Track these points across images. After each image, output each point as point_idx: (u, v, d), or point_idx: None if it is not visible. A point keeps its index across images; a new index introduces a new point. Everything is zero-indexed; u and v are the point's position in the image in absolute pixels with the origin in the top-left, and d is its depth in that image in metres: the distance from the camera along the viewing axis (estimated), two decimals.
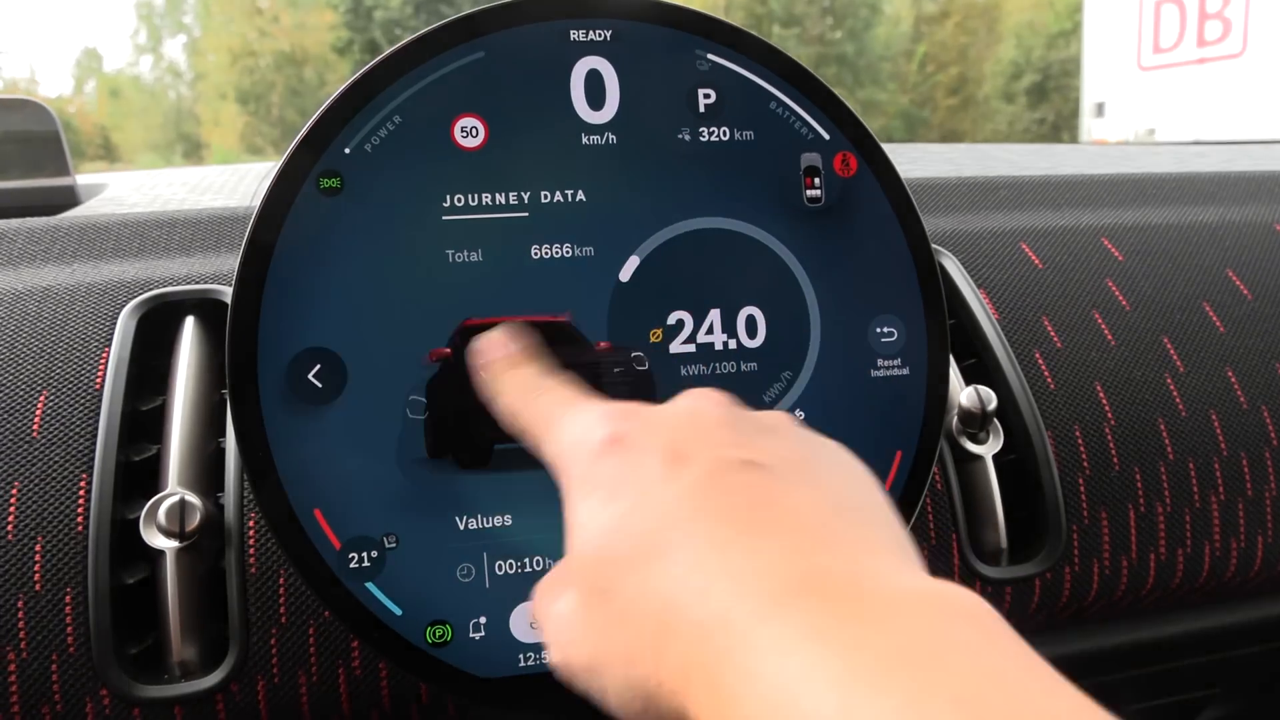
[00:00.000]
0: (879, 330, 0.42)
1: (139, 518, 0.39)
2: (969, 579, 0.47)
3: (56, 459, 0.41)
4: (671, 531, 0.24)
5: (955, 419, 0.48)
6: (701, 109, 0.41)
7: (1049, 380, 0.51)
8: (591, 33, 0.40)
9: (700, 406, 0.29)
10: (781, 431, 0.28)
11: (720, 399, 0.29)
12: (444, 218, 0.38)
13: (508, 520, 0.38)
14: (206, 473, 0.42)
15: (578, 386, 0.32)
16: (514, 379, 0.34)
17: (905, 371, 0.42)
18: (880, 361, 0.42)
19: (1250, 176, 0.68)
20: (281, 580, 0.40)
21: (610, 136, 0.40)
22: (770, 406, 0.41)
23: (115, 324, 0.45)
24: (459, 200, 0.38)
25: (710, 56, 0.41)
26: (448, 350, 0.37)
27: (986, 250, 0.56)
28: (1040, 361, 0.52)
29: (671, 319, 0.40)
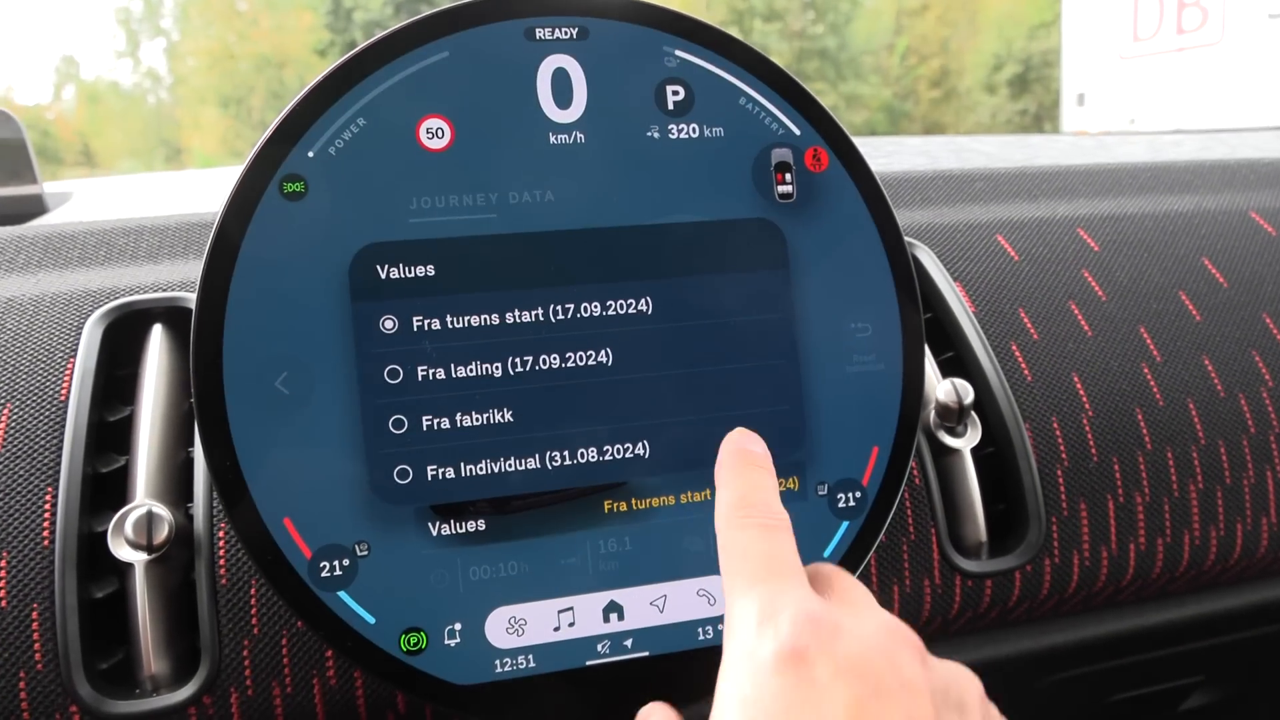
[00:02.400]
0: (853, 325, 0.42)
1: (107, 530, 0.39)
2: (949, 573, 0.47)
3: (21, 472, 0.40)
4: None
5: (932, 413, 0.48)
6: (670, 106, 0.40)
7: (1026, 372, 0.51)
8: (557, 31, 0.39)
9: (897, 652, 0.26)
10: (970, 713, 0.27)
11: (917, 645, 0.27)
12: (411, 220, 0.37)
13: (481, 525, 0.37)
14: (175, 483, 0.42)
15: (794, 539, 0.31)
16: (749, 479, 0.32)
17: (880, 367, 0.42)
18: (855, 357, 0.41)
19: (1225, 165, 0.68)
20: (253, 591, 0.40)
21: (578, 135, 0.39)
22: None
23: (80, 334, 0.44)
24: (425, 203, 0.38)
25: (678, 53, 0.40)
26: None
27: (962, 243, 0.56)
28: (1017, 353, 0.51)
29: None
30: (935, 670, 0.27)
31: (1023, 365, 0.51)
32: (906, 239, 0.43)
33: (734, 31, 0.42)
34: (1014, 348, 0.52)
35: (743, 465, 0.33)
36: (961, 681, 0.28)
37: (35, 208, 0.66)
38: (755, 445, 0.34)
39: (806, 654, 0.25)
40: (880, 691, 0.24)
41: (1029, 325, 0.53)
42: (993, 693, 0.55)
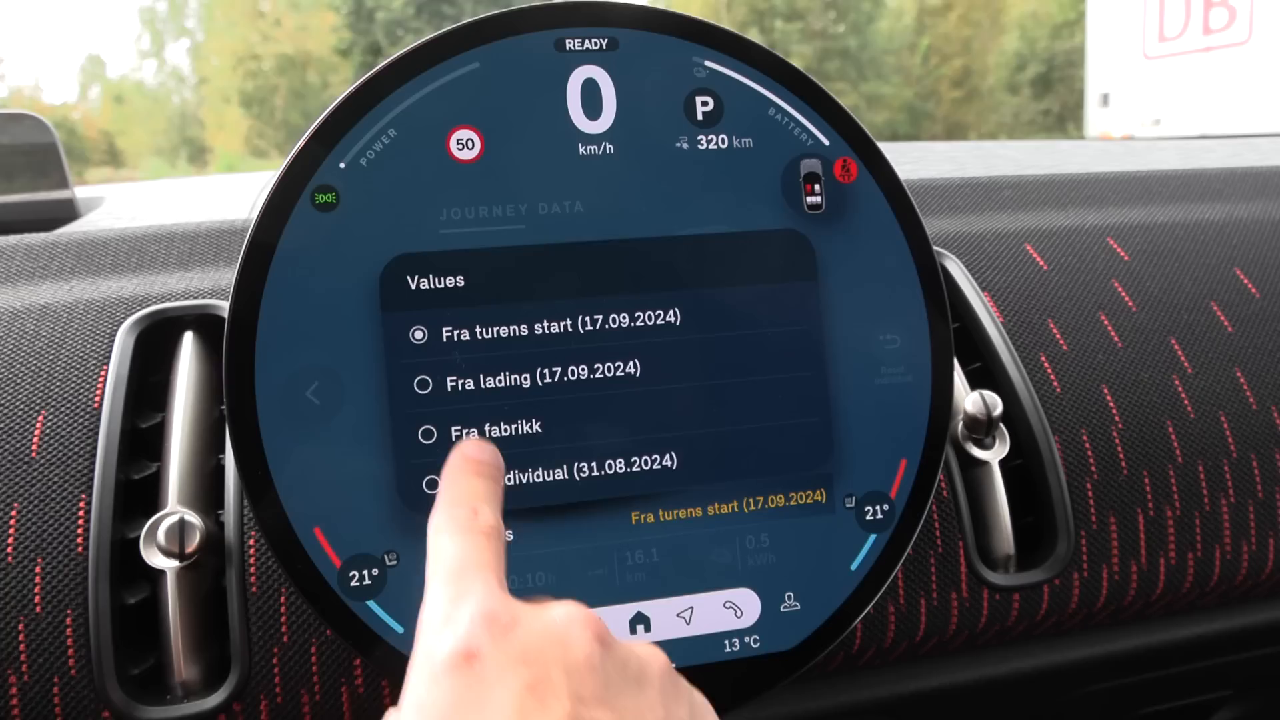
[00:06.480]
0: (882, 337, 0.41)
1: (139, 537, 0.39)
2: (976, 586, 0.47)
3: (55, 479, 0.40)
4: None
5: (960, 425, 0.48)
6: (699, 116, 0.40)
7: (1055, 384, 0.50)
8: (587, 42, 0.39)
9: (571, 635, 0.26)
10: (649, 685, 0.27)
11: (595, 627, 0.27)
12: (441, 231, 0.38)
13: (509, 536, 0.38)
14: (207, 490, 0.42)
15: (499, 544, 0.30)
16: (461, 485, 0.32)
17: (909, 379, 0.41)
18: (884, 369, 0.41)
19: (1257, 172, 0.68)
20: (283, 599, 0.40)
21: (608, 146, 0.39)
22: None
23: (113, 341, 0.44)
24: (456, 214, 0.38)
25: (708, 63, 0.40)
26: None
27: (990, 252, 0.56)
28: (1046, 365, 0.51)
29: None
30: (615, 649, 0.27)
31: (1052, 377, 0.51)
32: (934, 249, 0.42)
33: (754, 31, 0.42)
34: (1043, 359, 0.51)
35: (458, 472, 0.32)
36: (643, 656, 0.28)
37: (67, 212, 0.67)
38: (482, 453, 0.33)
39: (479, 652, 0.25)
40: (547, 676, 0.25)
41: (1058, 336, 0.52)
42: (1020, 707, 0.54)
